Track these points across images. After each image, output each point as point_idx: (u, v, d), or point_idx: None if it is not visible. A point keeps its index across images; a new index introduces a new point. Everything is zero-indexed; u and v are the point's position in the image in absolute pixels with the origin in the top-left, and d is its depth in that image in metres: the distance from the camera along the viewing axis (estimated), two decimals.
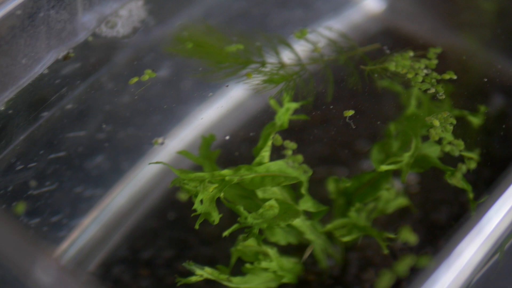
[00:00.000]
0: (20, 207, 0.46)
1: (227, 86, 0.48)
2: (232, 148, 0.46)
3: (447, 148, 0.42)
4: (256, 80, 0.46)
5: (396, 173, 0.47)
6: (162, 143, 0.46)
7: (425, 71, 0.45)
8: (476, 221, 0.35)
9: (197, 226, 0.42)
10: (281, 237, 0.46)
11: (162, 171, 0.51)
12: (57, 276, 0.34)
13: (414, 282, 0.32)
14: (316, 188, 0.46)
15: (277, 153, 0.43)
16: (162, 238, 0.50)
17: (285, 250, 0.46)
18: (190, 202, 0.47)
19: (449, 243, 0.34)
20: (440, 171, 0.45)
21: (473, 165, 0.42)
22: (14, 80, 0.43)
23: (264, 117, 0.44)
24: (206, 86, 0.48)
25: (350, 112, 0.44)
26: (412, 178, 0.52)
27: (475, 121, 0.46)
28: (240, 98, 0.50)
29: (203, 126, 0.48)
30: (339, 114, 0.44)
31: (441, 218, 0.49)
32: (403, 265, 0.42)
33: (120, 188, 0.50)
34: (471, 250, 0.34)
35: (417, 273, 0.33)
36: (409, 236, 0.43)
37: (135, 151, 0.50)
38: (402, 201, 0.47)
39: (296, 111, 0.45)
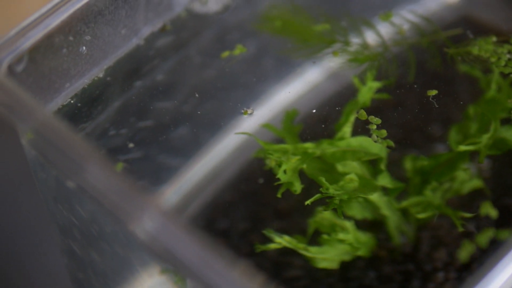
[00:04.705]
0: (119, 167, 0.48)
1: (314, 62, 0.49)
2: (319, 121, 0.48)
3: None
4: (342, 58, 0.48)
5: (472, 157, 0.49)
6: (251, 114, 0.48)
7: (507, 55, 0.47)
8: None
9: (279, 195, 0.44)
10: (357, 211, 0.47)
11: (241, 146, 0.53)
12: None
13: (494, 254, 0.34)
14: (394, 166, 0.47)
15: (362, 127, 0.44)
16: (238, 211, 0.52)
17: (359, 226, 0.48)
18: (268, 178, 0.49)
19: None
20: None
21: None
22: (114, 49, 0.46)
23: (349, 93, 0.46)
24: (293, 63, 0.50)
25: (434, 92, 0.46)
26: (485, 164, 0.53)
27: None
28: (326, 75, 0.52)
29: (290, 99, 0.50)
30: (422, 94, 0.45)
31: None
32: (484, 237, 0.43)
33: (201, 159, 0.52)
34: None
35: (497, 245, 0.34)
36: (490, 210, 0.44)
37: (219, 124, 0.52)
38: (477, 183, 0.48)
39: (378, 90, 0.46)
